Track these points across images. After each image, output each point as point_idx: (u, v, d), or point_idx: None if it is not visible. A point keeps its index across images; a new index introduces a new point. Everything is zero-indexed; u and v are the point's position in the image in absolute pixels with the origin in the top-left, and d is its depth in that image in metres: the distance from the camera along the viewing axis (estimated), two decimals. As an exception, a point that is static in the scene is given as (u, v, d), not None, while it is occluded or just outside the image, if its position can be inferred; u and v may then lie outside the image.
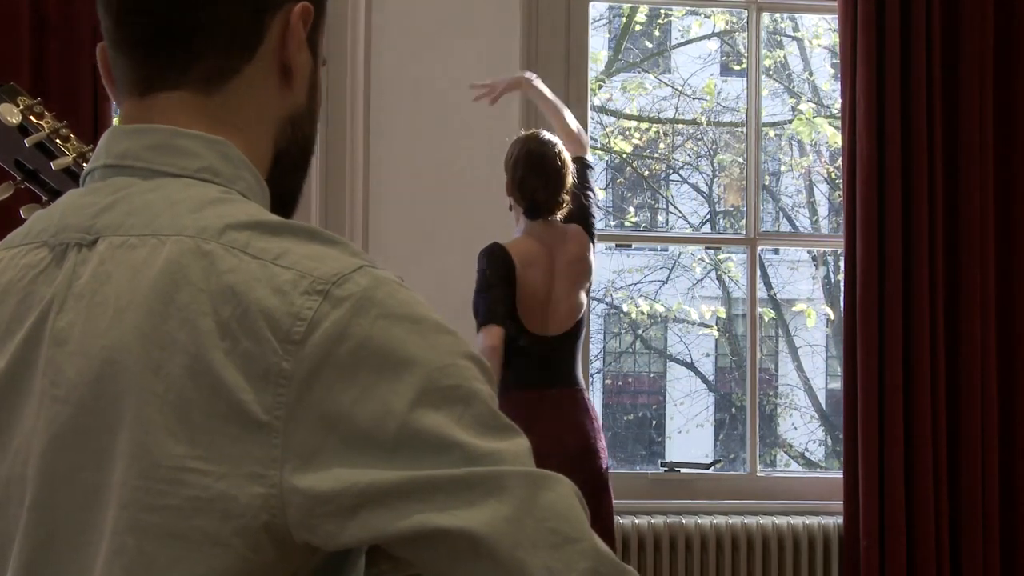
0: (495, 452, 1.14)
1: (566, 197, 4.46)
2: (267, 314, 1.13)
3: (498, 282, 4.37)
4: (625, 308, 9.50)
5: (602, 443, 4.53)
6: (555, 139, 4.58)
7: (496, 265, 4.40)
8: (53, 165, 1.70)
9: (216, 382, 1.12)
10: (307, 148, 1.37)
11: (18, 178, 1.75)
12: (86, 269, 1.21)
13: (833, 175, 8.52)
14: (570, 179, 4.47)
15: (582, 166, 4.62)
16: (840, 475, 4.83)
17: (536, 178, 4.41)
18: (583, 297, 4.57)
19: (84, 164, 1.64)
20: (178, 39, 1.26)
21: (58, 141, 1.72)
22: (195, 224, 1.19)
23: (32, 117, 1.72)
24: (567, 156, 4.50)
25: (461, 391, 1.15)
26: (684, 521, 4.89)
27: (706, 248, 9.67)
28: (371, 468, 1.12)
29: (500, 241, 4.45)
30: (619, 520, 4.79)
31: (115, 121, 1.42)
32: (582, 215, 4.58)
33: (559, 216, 4.51)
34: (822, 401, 9.69)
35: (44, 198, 1.75)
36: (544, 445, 4.00)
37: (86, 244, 1.23)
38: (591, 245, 4.60)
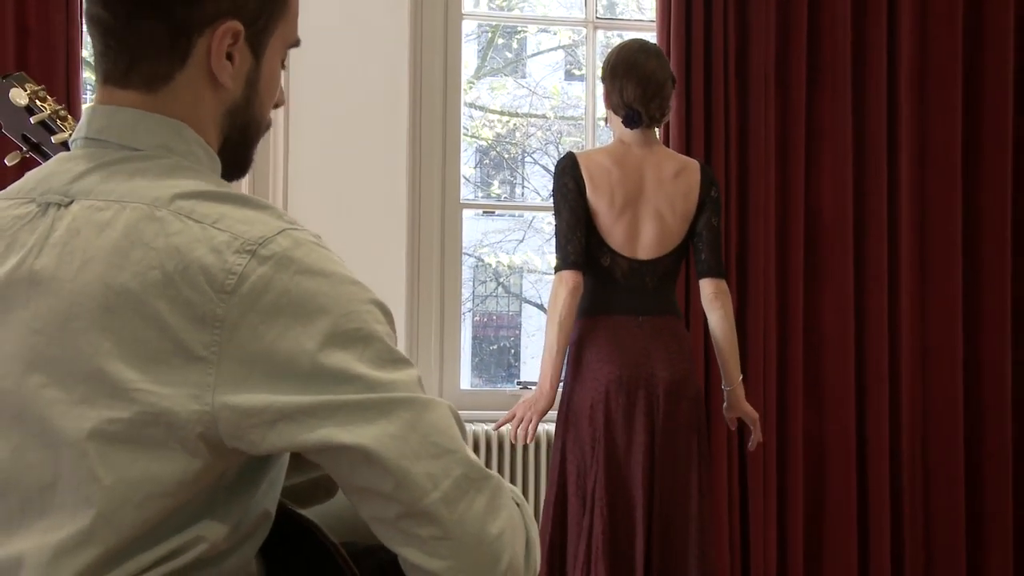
0: (390, 382, 1.16)
1: (668, 105, 3.61)
2: (205, 269, 1.14)
3: (563, 205, 3.49)
4: (490, 261, 9.52)
5: (694, 378, 3.59)
6: (655, 45, 3.72)
7: (559, 181, 3.54)
8: (53, 139, 1.71)
9: (162, 323, 1.13)
10: (248, 130, 1.36)
11: (24, 149, 1.75)
12: (62, 224, 1.21)
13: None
14: (670, 86, 3.61)
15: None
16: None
17: (635, 86, 3.54)
18: (679, 228, 3.57)
19: None
20: (118, 48, 1.26)
21: (58, 120, 1.72)
22: (150, 193, 1.20)
23: (37, 100, 1.73)
24: (666, 61, 3.65)
25: (362, 332, 1.16)
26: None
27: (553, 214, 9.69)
28: (287, 394, 1.13)
29: (575, 151, 3.63)
30: (484, 427, 4.81)
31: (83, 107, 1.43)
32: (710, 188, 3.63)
33: (658, 130, 3.65)
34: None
35: None
36: (626, 374, 3.43)
37: (64, 204, 1.22)
38: (704, 193, 3.60)
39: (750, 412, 3.69)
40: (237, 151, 1.36)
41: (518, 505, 1.23)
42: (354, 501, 1.18)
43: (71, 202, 1.22)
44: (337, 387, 1.13)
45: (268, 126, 1.40)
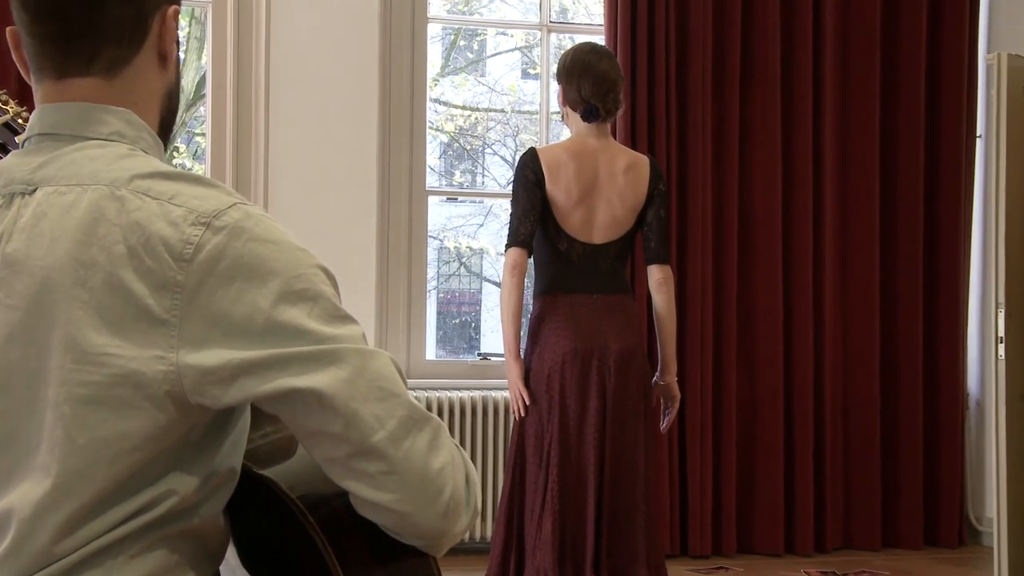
0: (337, 335, 1.16)
1: (620, 100, 3.61)
2: (164, 241, 1.13)
3: (522, 192, 3.52)
4: (452, 243, 9.53)
5: (642, 349, 3.61)
6: (606, 48, 3.76)
7: (520, 172, 3.55)
8: (17, 140, 1.65)
9: (127, 291, 1.13)
10: (174, 115, 1.34)
11: None
12: (27, 211, 1.19)
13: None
14: (621, 84, 3.62)
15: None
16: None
17: (591, 83, 3.55)
18: (628, 215, 3.57)
19: None
20: (83, 37, 1.23)
21: (20, 121, 1.67)
22: (109, 175, 1.18)
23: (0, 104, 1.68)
24: (616, 62, 3.68)
25: (310, 292, 1.16)
26: (493, 395, 4.93)
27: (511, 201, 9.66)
28: (245, 349, 1.13)
29: (536, 146, 3.65)
30: (447, 394, 4.84)
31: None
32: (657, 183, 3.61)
33: (609, 123, 3.63)
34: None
35: None
36: (581, 345, 3.46)
37: (28, 192, 1.21)
38: (652, 186, 3.59)
39: (674, 391, 3.66)
40: (167, 135, 1.34)
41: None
42: (308, 446, 1.19)
43: (35, 190, 1.20)
44: (290, 340, 1.13)
45: None
